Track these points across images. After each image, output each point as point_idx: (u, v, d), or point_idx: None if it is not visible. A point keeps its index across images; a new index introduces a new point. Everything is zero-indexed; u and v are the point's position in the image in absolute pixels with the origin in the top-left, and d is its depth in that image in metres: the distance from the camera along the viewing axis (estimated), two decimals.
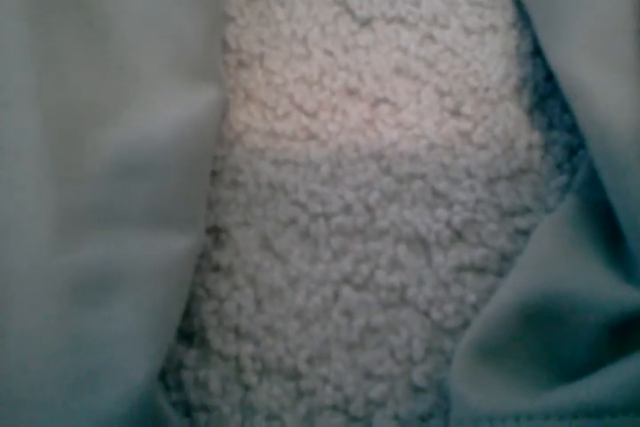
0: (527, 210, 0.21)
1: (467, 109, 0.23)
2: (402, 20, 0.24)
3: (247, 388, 0.18)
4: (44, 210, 0.18)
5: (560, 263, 0.18)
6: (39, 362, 0.15)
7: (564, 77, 0.21)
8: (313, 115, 0.22)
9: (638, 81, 0.20)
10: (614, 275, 0.18)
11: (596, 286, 0.18)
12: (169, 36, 0.20)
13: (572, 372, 0.17)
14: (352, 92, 0.23)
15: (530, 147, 0.22)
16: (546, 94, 0.23)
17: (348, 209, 0.21)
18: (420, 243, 0.21)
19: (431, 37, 0.24)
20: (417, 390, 0.19)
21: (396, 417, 0.18)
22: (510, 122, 0.23)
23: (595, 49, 0.21)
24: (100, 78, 0.20)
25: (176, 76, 0.20)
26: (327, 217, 0.21)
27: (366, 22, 0.24)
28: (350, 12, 0.24)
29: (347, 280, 0.20)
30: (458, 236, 0.21)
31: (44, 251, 0.17)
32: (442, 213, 0.21)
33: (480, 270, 0.20)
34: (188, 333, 0.19)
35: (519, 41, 0.24)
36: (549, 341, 0.18)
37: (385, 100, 0.23)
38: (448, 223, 0.21)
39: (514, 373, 0.17)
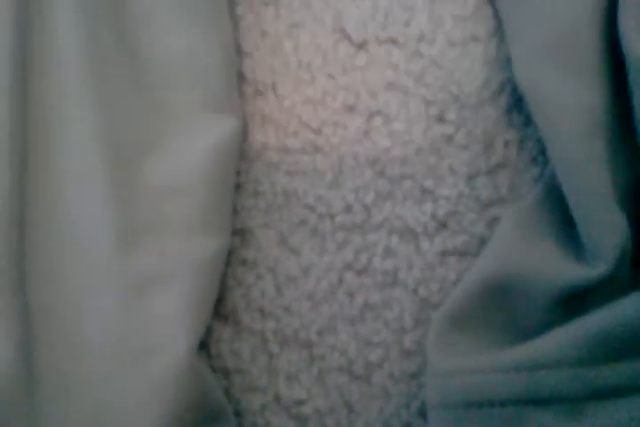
0: (503, 200, 0.24)
1: (450, 115, 0.26)
2: (393, 41, 0.27)
3: (271, 355, 0.23)
4: (109, 223, 0.23)
5: (519, 246, 0.22)
6: (109, 339, 0.21)
7: (524, 81, 0.24)
8: (318, 131, 0.26)
9: (589, 83, 0.23)
10: (566, 255, 0.21)
11: (547, 264, 0.21)
12: (196, 77, 0.25)
13: (527, 336, 0.20)
14: (350, 109, 0.26)
15: (507, 144, 0.25)
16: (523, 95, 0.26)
17: (348, 209, 0.25)
18: (410, 233, 0.24)
19: (419, 53, 0.27)
20: (408, 353, 0.23)
21: (391, 376, 0.22)
22: (489, 123, 0.26)
23: (552, 57, 0.23)
24: (143, 117, 0.25)
25: (202, 111, 0.25)
26: (332, 216, 0.25)
27: (362, 45, 0.27)
28: (348, 37, 0.28)
29: (349, 267, 0.24)
30: (442, 225, 0.24)
31: (110, 256, 0.22)
32: (428, 206, 0.25)
33: (461, 254, 0.24)
34: (224, 314, 0.24)
35: (498, 49, 0.27)
36: (509, 311, 0.21)
37: (379, 113, 0.26)
38: (434, 215, 0.25)
39: (478, 338, 0.21)
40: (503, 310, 0.22)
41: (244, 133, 0.27)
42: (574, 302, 0.22)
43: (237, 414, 0.23)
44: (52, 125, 0.24)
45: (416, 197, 0.26)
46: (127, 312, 0.22)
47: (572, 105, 0.23)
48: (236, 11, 0.29)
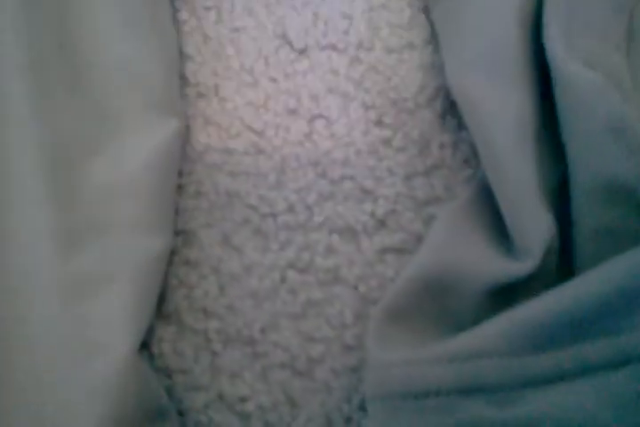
0: (439, 199, 0.25)
1: (388, 119, 0.27)
2: (333, 47, 0.28)
3: (214, 354, 0.23)
4: (49, 225, 0.23)
5: (453, 243, 0.23)
6: (50, 341, 0.20)
7: (456, 89, 0.25)
8: (260, 133, 0.27)
9: (517, 91, 0.24)
10: (496, 251, 0.22)
11: (479, 260, 0.22)
12: (136, 80, 0.25)
13: (462, 328, 0.21)
14: (292, 112, 0.27)
15: (442, 146, 0.26)
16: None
17: (291, 208, 0.25)
18: (350, 232, 0.25)
19: (358, 59, 0.28)
20: (349, 348, 0.23)
21: (333, 370, 0.23)
22: (425, 126, 0.27)
23: (482, 66, 0.25)
24: (84, 119, 0.25)
25: (144, 113, 0.25)
26: (274, 216, 0.25)
27: (303, 51, 0.28)
28: (289, 43, 0.28)
29: (291, 266, 0.24)
30: (381, 224, 0.25)
31: (50, 258, 0.22)
32: (368, 206, 0.25)
33: (400, 251, 0.24)
34: (167, 314, 0.24)
35: (433, 56, 0.28)
36: (444, 305, 0.22)
37: (320, 116, 0.27)
38: (373, 214, 0.25)
39: (415, 331, 0.21)
40: (438, 304, 0.23)
41: (186, 135, 0.27)
42: (504, 296, 0.23)
43: (181, 413, 0.23)
44: None
45: (356, 197, 0.26)
46: (68, 313, 0.21)
47: (500, 112, 0.24)
48: (179, 15, 0.29)
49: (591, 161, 0.23)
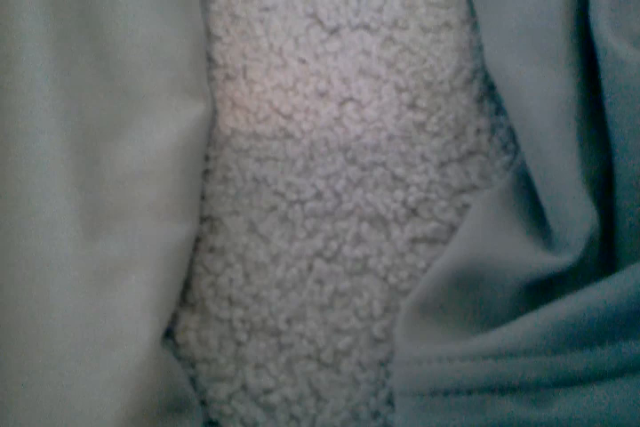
0: (474, 187, 0.24)
1: (422, 102, 0.26)
2: (365, 26, 0.27)
3: (239, 344, 0.22)
4: (72, 210, 0.22)
5: (488, 234, 0.22)
6: (72, 328, 0.20)
7: (495, 70, 0.23)
8: (289, 116, 0.26)
9: (561, 72, 0.23)
10: (534, 243, 0.21)
11: (516, 252, 0.21)
12: (163, 62, 0.25)
13: (495, 324, 0.20)
14: (322, 95, 0.26)
15: (478, 131, 0.25)
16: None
17: (319, 195, 0.24)
18: (380, 220, 0.24)
19: (391, 39, 0.27)
20: (377, 341, 0.22)
21: (360, 363, 0.22)
22: (461, 110, 0.25)
23: (523, 46, 0.23)
24: (109, 102, 0.24)
25: (170, 96, 0.24)
26: (302, 203, 0.24)
27: (334, 31, 0.27)
28: (320, 22, 0.27)
29: (319, 254, 0.24)
30: (413, 213, 0.24)
31: (73, 243, 0.22)
32: (399, 194, 0.24)
33: (432, 241, 0.23)
34: (191, 302, 0.23)
35: (471, 36, 0.27)
36: (477, 299, 0.21)
37: (351, 99, 0.26)
38: (404, 202, 0.24)
39: (446, 325, 0.21)
40: (471, 297, 0.22)
41: (213, 119, 0.26)
42: (542, 290, 0.21)
43: (204, 403, 0.23)
44: (14, 110, 0.23)
45: (387, 184, 0.25)
46: (91, 299, 0.21)
47: (542, 94, 0.23)
48: None
49: (635, 148, 0.22)
